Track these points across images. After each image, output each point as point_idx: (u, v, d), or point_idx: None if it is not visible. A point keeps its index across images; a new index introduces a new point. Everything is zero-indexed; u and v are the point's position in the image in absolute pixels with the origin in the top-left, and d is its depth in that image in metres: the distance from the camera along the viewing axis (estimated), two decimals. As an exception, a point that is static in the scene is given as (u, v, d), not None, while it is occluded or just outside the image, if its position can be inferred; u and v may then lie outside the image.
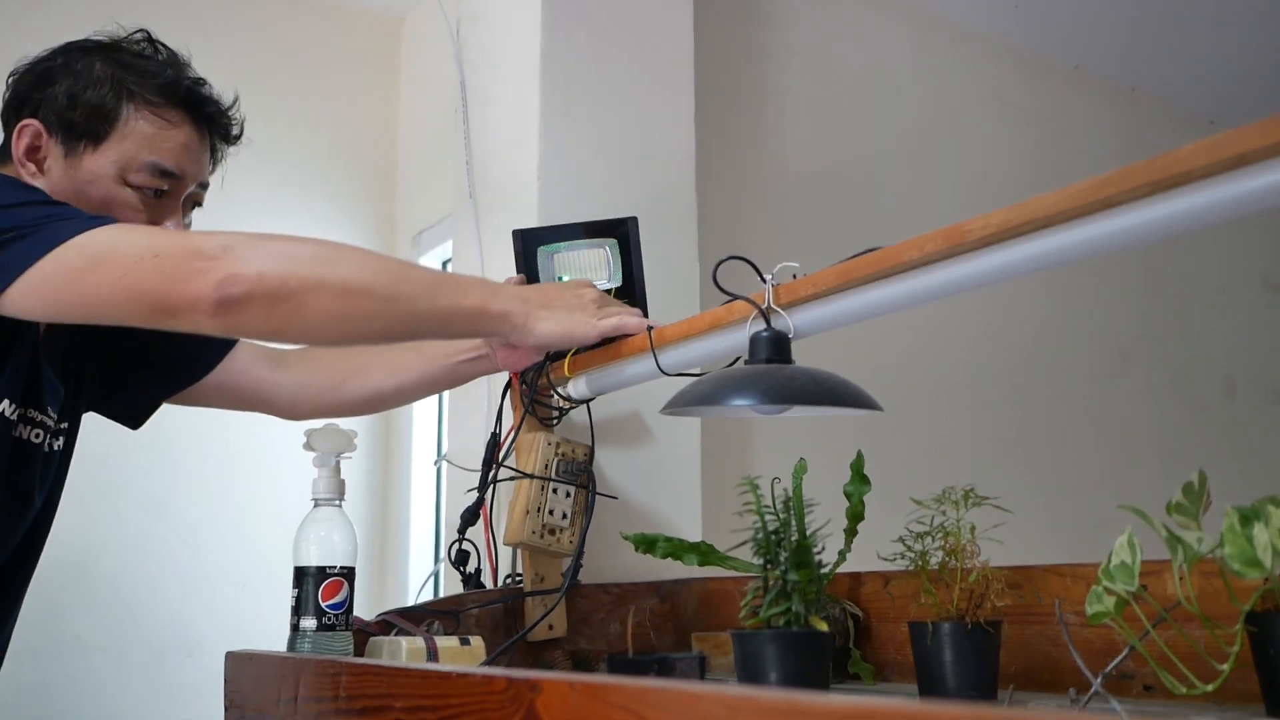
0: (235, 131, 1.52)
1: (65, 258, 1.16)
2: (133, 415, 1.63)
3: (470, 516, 1.65)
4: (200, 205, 1.51)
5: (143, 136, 1.39)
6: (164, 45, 1.48)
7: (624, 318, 1.45)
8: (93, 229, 1.18)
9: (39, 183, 1.37)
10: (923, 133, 2.92)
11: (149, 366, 1.57)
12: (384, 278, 1.26)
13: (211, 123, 1.48)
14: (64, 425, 1.46)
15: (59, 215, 1.20)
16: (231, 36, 2.71)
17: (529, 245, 1.59)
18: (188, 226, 1.47)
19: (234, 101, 1.51)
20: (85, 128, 1.37)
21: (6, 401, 1.34)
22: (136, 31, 1.47)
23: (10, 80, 1.43)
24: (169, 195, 1.42)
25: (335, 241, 1.26)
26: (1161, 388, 3.33)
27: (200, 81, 1.47)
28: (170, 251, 1.17)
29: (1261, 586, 0.88)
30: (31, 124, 1.38)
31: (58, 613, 2.27)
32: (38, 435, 1.40)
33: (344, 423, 1.50)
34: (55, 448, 1.44)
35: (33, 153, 1.38)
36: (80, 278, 1.16)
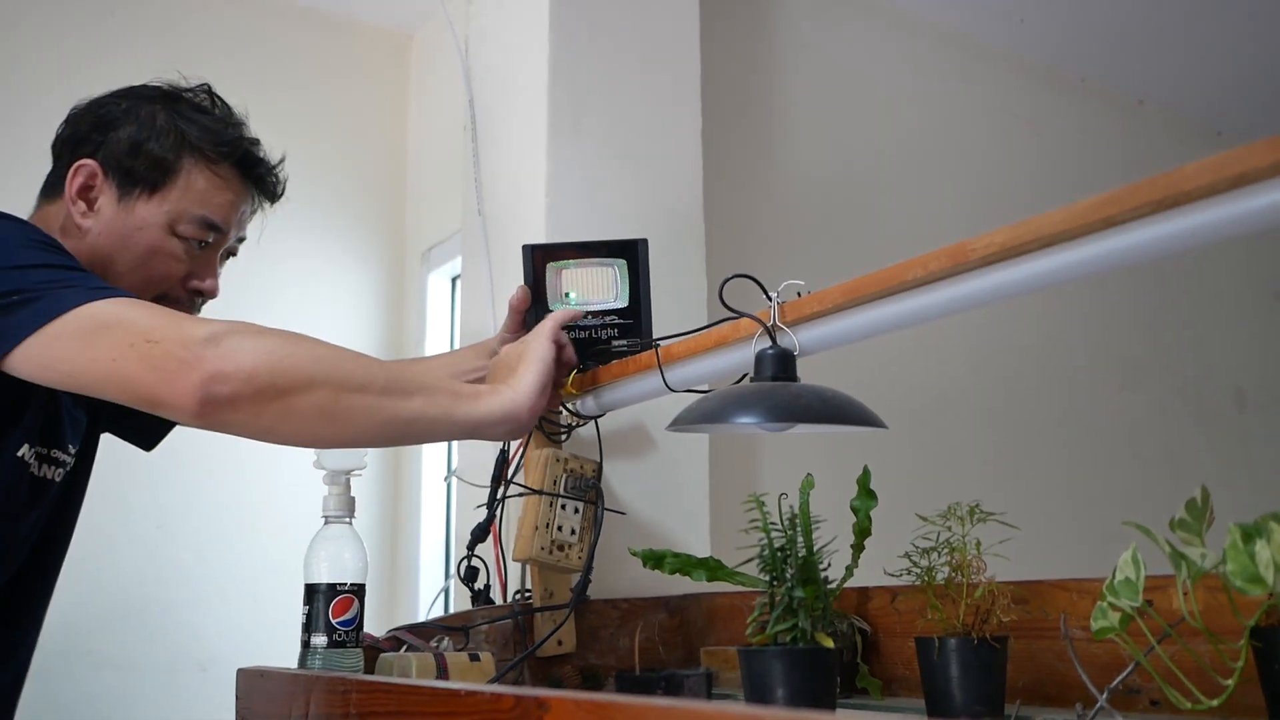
0: (280, 193, 1.56)
1: (64, 330, 1.13)
2: (146, 438, 1.64)
3: (480, 533, 1.66)
4: (235, 255, 1.55)
5: (197, 191, 1.43)
6: (222, 100, 1.52)
7: (553, 315, 1.49)
8: (95, 300, 1.16)
9: (88, 222, 1.39)
10: (930, 146, 2.93)
11: None
12: (379, 381, 1.22)
13: (260, 183, 1.52)
14: (79, 451, 1.48)
15: (64, 281, 1.18)
16: (242, 52, 2.73)
17: (539, 260, 1.60)
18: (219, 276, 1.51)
19: (281, 161, 1.55)
20: (144, 176, 1.40)
21: (26, 446, 1.35)
22: (200, 86, 1.51)
23: (70, 117, 1.46)
24: (211, 248, 1.47)
25: (327, 342, 1.23)
26: (1171, 399, 3.33)
27: (255, 142, 1.51)
28: (163, 338, 1.13)
29: (1265, 602, 0.88)
30: (89, 164, 1.40)
31: (70, 628, 2.29)
32: (58, 474, 1.42)
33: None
34: (68, 475, 1.46)
35: (85, 191, 1.40)
36: (76, 353, 1.13)
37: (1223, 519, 0.93)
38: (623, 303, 1.60)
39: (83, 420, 1.46)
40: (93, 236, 1.39)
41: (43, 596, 1.48)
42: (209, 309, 1.51)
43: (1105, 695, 0.96)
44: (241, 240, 1.53)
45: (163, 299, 1.43)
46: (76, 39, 2.50)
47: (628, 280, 1.59)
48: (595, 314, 1.60)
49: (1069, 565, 1.47)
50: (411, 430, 1.27)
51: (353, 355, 1.24)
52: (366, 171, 2.92)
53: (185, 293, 1.46)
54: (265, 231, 2.69)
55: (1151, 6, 3.00)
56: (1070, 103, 3.30)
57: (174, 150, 1.41)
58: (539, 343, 1.41)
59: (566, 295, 1.61)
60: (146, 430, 1.63)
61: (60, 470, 1.42)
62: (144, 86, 1.47)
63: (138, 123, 1.42)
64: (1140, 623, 0.95)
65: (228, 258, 1.53)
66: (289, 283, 2.73)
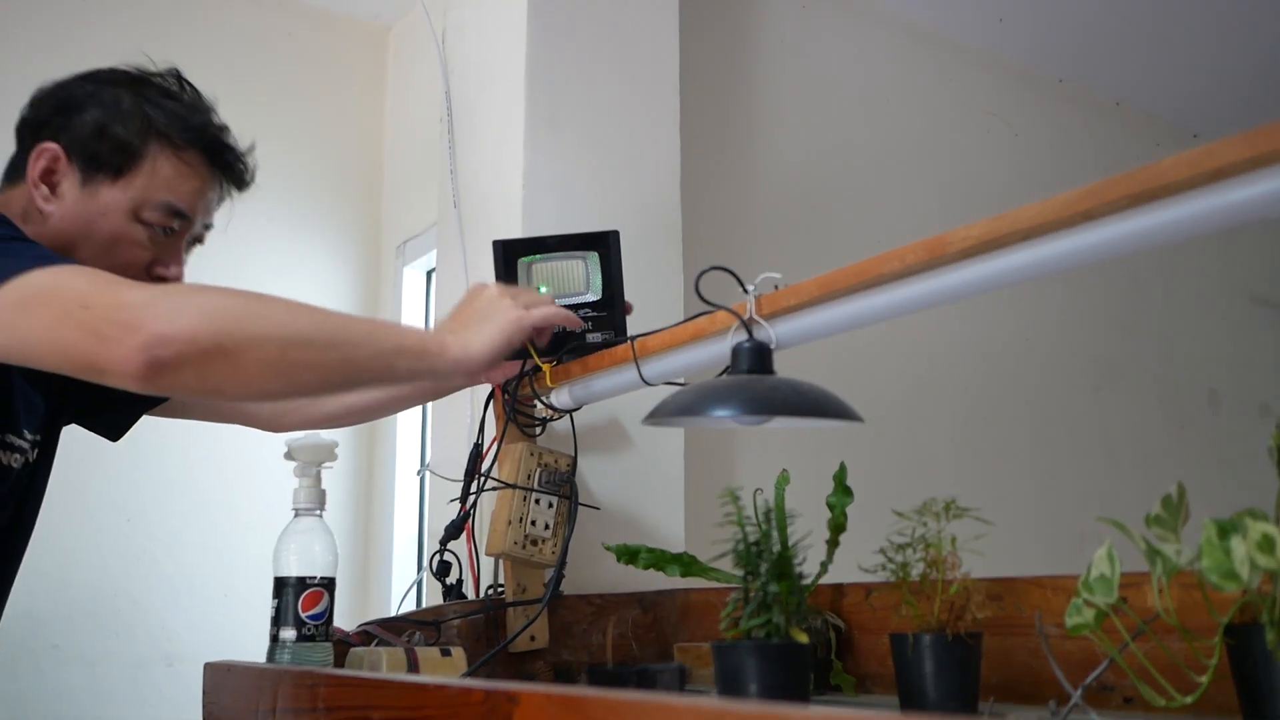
0: (249, 180, 1.53)
1: (2, 301, 1.10)
2: (113, 428, 1.62)
3: (453, 528, 1.65)
4: (202, 243, 1.52)
5: (163, 177, 1.40)
6: (191, 85, 1.49)
7: (549, 309, 1.43)
8: (33, 269, 1.12)
9: (50, 206, 1.37)
10: (907, 144, 2.93)
11: None
12: (323, 326, 1.21)
13: (228, 170, 1.49)
14: (38, 439, 1.45)
15: (5, 251, 1.15)
16: (216, 41, 2.70)
17: (509, 256, 1.59)
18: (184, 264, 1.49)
19: (250, 148, 1.52)
20: (108, 160, 1.38)
21: None
22: (168, 70, 1.48)
23: (34, 100, 1.43)
24: (176, 235, 1.44)
25: (265, 294, 1.20)
26: (1145, 400, 3.34)
27: (223, 128, 1.49)
28: (99, 303, 1.09)
29: (1240, 599, 0.88)
30: (52, 148, 1.37)
31: (35, 623, 2.26)
32: (16, 459, 1.40)
33: (326, 432, 1.50)
34: (27, 464, 1.43)
35: (48, 175, 1.37)
36: (13, 324, 1.11)
37: (1195, 520, 0.92)
38: (595, 295, 1.59)
39: (40, 405, 1.43)
40: (55, 221, 1.36)
41: (1, 589, 1.46)
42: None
43: (1079, 692, 0.95)
44: (208, 228, 1.50)
45: None
46: (44, 22, 2.48)
47: (600, 272, 1.58)
48: (570, 307, 1.59)
49: (1043, 562, 1.47)
50: (360, 379, 1.27)
51: (298, 306, 1.21)
52: (342, 164, 2.90)
53: (150, 280, 1.42)
54: (238, 223, 2.67)
55: (1130, 9, 3.01)
56: (1048, 103, 3.31)
57: (139, 135, 1.39)
58: (520, 324, 1.37)
59: (539, 290, 1.60)
60: (113, 421, 1.61)
61: (18, 456, 1.39)
62: (111, 70, 1.44)
63: (103, 106, 1.39)
64: (1115, 619, 0.94)
65: (194, 245, 1.51)
66: (262, 275, 2.70)
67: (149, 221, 1.40)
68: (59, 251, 1.33)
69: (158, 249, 1.42)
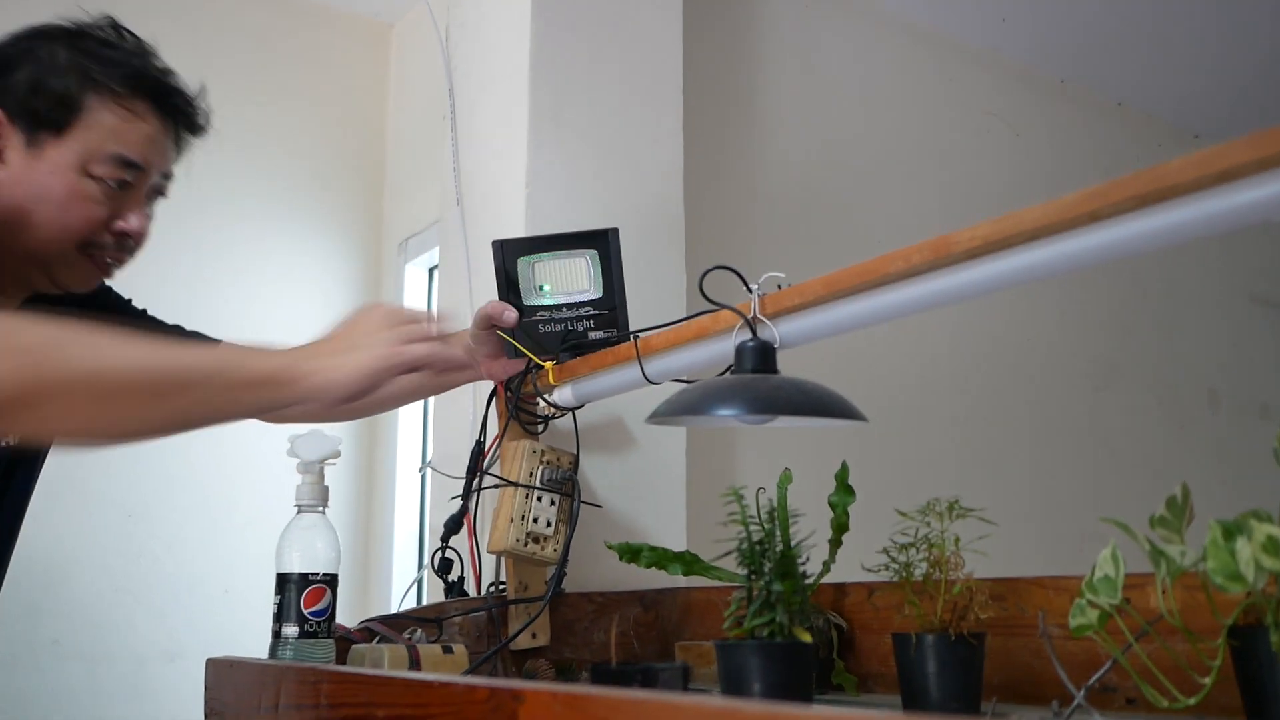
0: (202, 123, 1.47)
1: None
2: None
3: (454, 524, 1.65)
4: (164, 195, 1.46)
5: (107, 128, 1.35)
6: (130, 33, 1.44)
7: (427, 349, 1.29)
8: None
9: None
10: (909, 144, 2.93)
11: None
12: (150, 367, 1.10)
13: (178, 114, 1.43)
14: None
15: None
16: (219, 38, 2.70)
17: (509, 255, 1.59)
18: (150, 218, 1.44)
19: (201, 91, 1.46)
20: (48, 117, 1.33)
21: None
22: (102, 18, 1.42)
23: None
24: (132, 187, 1.38)
25: (86, 333, 1.09)
26: (1146, 400, 3.34)
27: (167, 71, 1.43)
28: None
29: (1244, 600, 0.88)
30: None
31: (36, 619, 2.26)
32: None
33: (328, 429, 1.50)
34: (6, 459, 1.41)
35: None
36: None
37: (1197, 520, 0.92)
38: (597, 293, 1.59)
39: None
40: (6, 190, 1.32)
41: None
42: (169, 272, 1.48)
43: (1082, 693, 0.95)
44: (168, 178, 1.45)
45: (90, 246, 1.37)
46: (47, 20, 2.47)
47: (600, 270, 1.58)
48: (571, 305, 1.59)
49: (1046, 563, 1.47)
50: (202, 418, 1.19)
51: (122, 346, 1.10)
52: (344, 160, 2.90)
53: (112, 237, 1.39)
54: (241, 220, 2.67)
55: (1132, 9, 3.01)
56: (1050, 104, 3.31)
57: (77, 86, 1.34)
58: (384, 350, 1.26)
59: (540, 288, 1.60)
60: None
61: None
62: (44, 25, 1.39)
63: (37, 62, 1.34)
64: (1118, 620, 0.94)
65: (156, 198, 1.45)
66: (264, 271, 2.70)
67: (100, 176, 1.35)
68: (15, 220, 1.30)
69: (115, 204, 1.37)
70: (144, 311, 1.62)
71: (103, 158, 1.35)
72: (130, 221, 1.39)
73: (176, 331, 1.60)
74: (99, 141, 1.35)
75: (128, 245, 1.42)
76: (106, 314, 1.49)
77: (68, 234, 1.35)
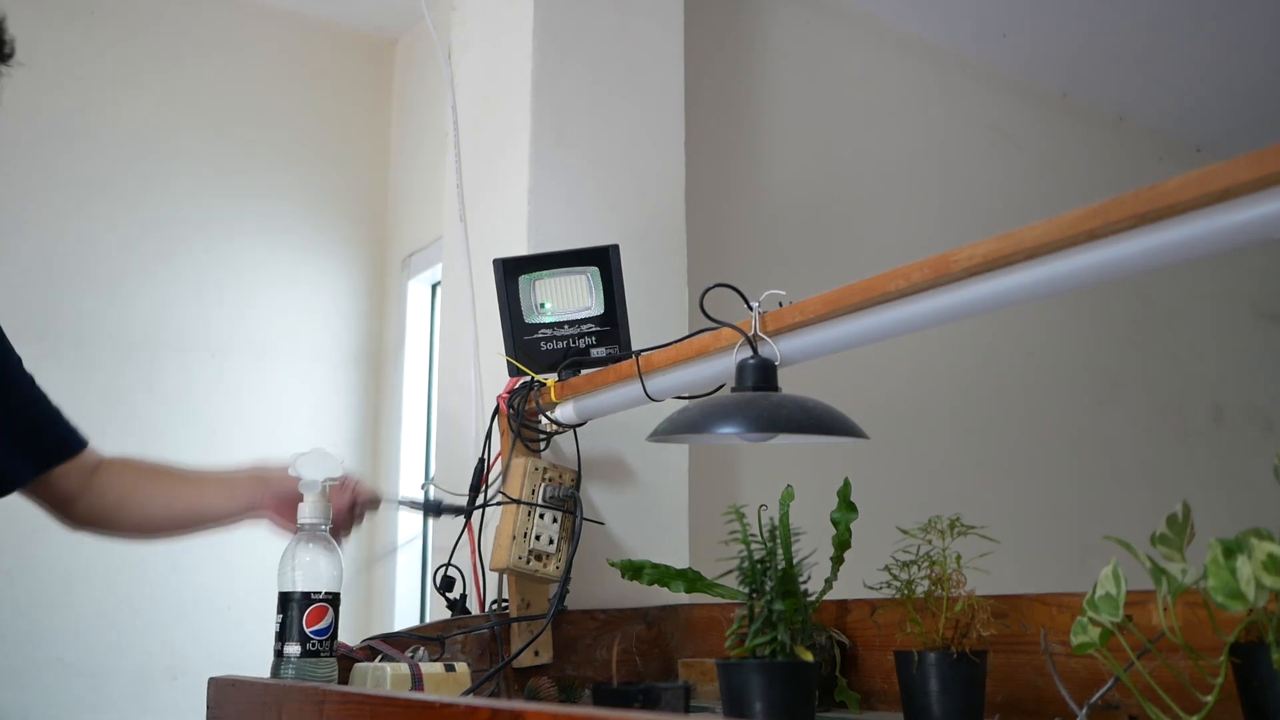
0: (8, 51, 1.44)
1: None
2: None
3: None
4: None
5: None
6: None
7: None
8: None
9: None
10: (911, 158, 2.93)
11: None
12: None
13: None
14: None
15: None
16: (223, 54, 2.71)
17: (510, 274, 1.59)
18: None
19: (2, 19, 1.43)
20: None
21: None
22: None
23: None
24: None
25: None
26: (1150, 415, 3.34)
27: None
28: None
29: (1245, 618, 0.88)
30: None
31: (40, 636, 2.26)
32: None
33: (331, 448, 1.50)
34: None
35: None
36: None
37: (1200, 535, 0.92)
38: (598, 310, 1.59)
39: None
40: None
41: None
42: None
43: (1084, 711, 0.95)
44: None
45: None
46: (56, 38, 2.48)
47: (601, 287, 1.58)
48: (572, 322, 1.59)
49: (1049, 576, 1.46)
50: None
51: None
52: (348, 177, 2.91)
53: None
54: (245, 235, 2.68)
55: (1133, 23, 3.02)
56: (1051, 118, 3.31)
57: None
58: None
59: (541, 306, 1.60)
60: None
61: None
62: None
63: None
64: (1120, 638, 0.94)
65: None
66: (269, 287, 2.71)
67: None
68: None
69: None
70: None
71: None
72: None
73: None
74: None
75: None
76: None
77: None
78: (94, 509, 1.56)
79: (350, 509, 1.52)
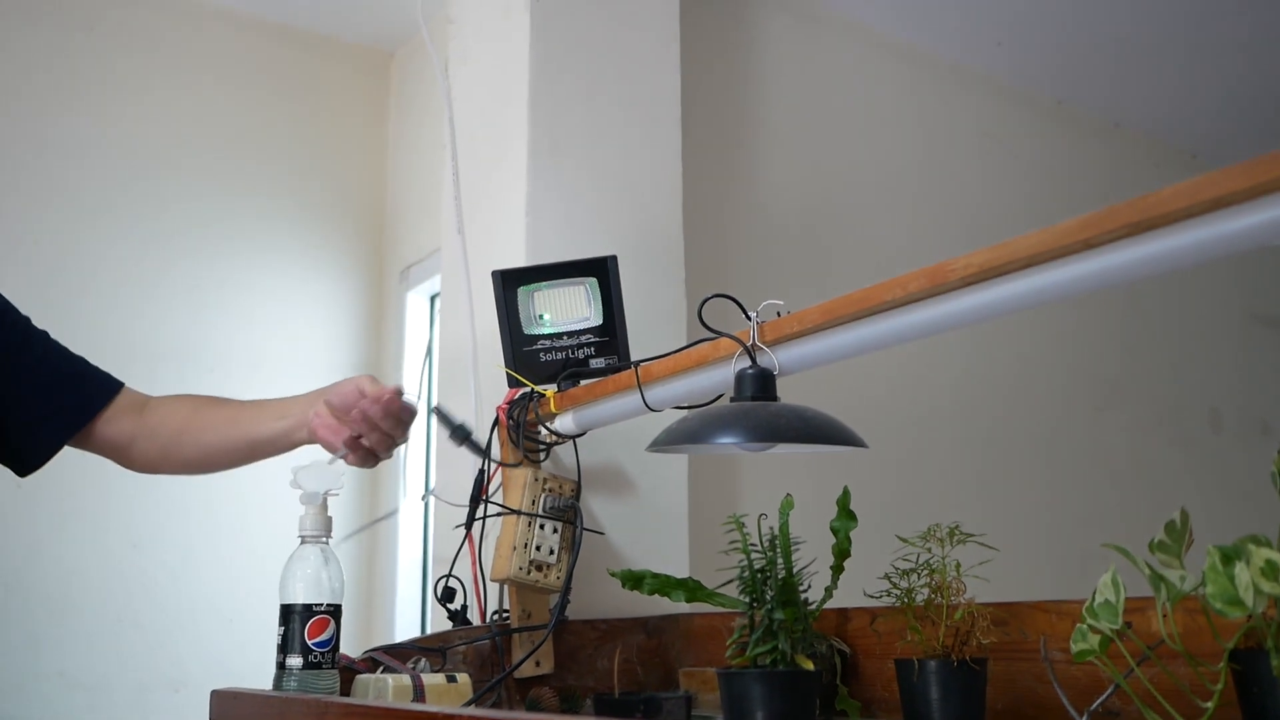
0: None
1: None
2: (18, 461, 1.54)
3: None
4: None
5: None
6: None
7: None
8: None
9: None
10: (907, 167, 2.94)
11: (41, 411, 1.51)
12: None
13: None
14: None
15: None
16: (221, 68, 2.72)
17: (508, 285, 1.60)
18: None
19: None
20: None
21: None
22: None
23: None
24: None
25: None
26: (1148, 421, 3.34)
27: None
28: None
29: (1244, 624, 0.88)
30: None
31: (40, 648, 2.26)
32: None
33: (330, 460, 1.50)
34: None
35: None
36: None
37: (1199, 541, 0.93)
38: (597, 320, 1.60)
39: None
40: None
41: None
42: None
43: (1084, 717, 0.95)
44: None
45: None
46: (56, 54, 2.49)
47: (600, 298, 1.59)
48: (571, 333, 1.60)
49: (1048, 587, 1.47)
50: None
51: None
52: (346, 189, 2.91)
53: None
54: (243, 248, 2.69)
55: (1128, 31, 3.03)
56: (1047, 126, 3.32)
57: None
58: None
59: (540, 317, 1.61)
60: (20, 452, 1.53)
61: None
62: None
63: None
64: (1120, 645, 0.95)
65: None
66: (267, 300, 2.71)
67: None
68: None
69: None
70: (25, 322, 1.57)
71: None
72: None
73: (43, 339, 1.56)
74: None
75: None
76: None
77: None
78: (151, 449, 1.58)
79: (396, 415, 1.49)
